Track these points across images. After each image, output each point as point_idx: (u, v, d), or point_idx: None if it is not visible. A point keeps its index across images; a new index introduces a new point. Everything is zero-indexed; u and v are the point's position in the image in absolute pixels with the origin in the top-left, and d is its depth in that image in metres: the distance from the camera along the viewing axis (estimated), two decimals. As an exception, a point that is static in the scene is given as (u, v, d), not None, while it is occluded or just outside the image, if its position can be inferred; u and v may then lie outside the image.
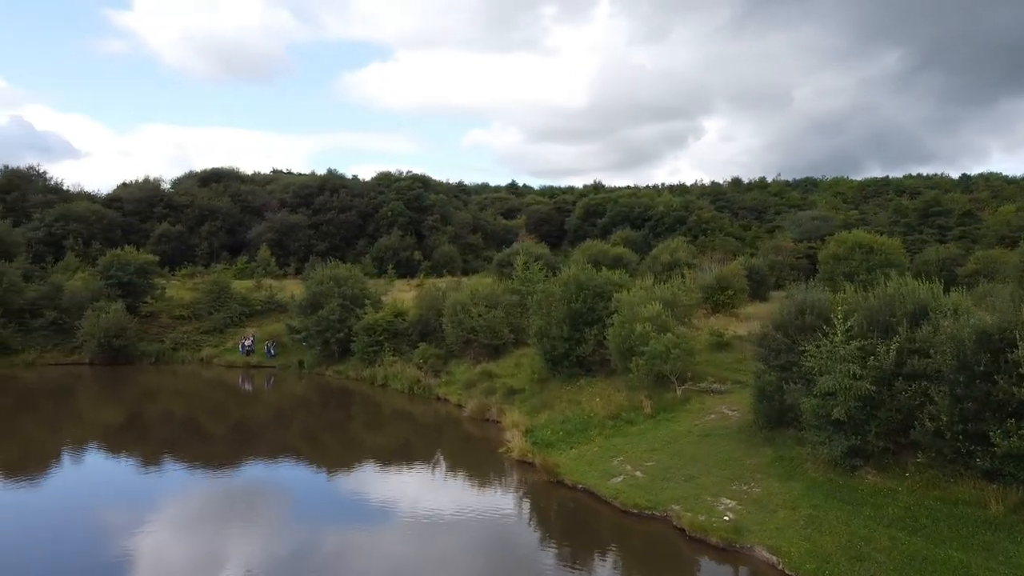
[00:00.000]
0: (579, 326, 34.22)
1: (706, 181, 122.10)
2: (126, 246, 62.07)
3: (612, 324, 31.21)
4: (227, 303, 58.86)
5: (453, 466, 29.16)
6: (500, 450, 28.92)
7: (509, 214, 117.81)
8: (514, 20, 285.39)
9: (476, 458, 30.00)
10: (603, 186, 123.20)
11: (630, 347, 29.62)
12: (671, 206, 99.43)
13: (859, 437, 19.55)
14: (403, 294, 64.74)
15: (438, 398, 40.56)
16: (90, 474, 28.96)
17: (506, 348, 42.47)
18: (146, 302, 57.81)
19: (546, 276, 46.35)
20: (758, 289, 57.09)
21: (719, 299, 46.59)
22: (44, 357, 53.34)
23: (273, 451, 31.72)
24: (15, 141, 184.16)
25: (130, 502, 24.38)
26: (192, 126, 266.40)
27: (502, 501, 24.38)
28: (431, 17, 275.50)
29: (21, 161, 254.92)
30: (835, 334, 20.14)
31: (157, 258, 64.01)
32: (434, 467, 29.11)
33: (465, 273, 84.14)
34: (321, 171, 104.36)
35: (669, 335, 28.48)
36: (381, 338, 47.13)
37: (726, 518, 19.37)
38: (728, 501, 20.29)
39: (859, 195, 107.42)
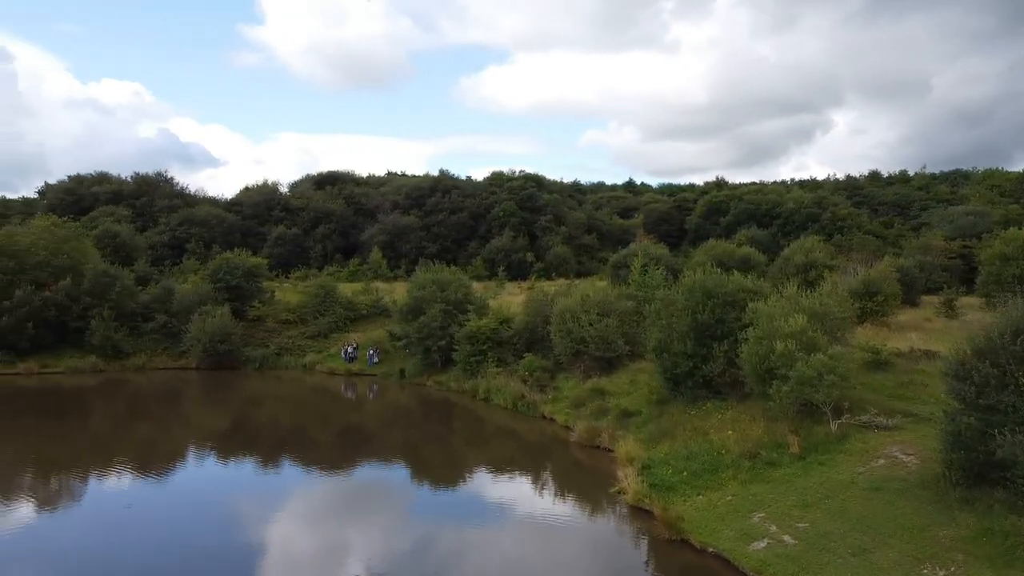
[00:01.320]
0: (706, 340, 28.81)
1: (839, 176, 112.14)
2: (236, 249, 60.90)
3: (747, 340, 25.73)
4: (332, 307, 56.43)
5: (556, 503, 24.52)
6: (612, 489, 24.04)
7: (626, 213, 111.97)
8: (631, 17, 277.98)
9: (582, 491, 25.26)
10: (726, 182, 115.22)
11: (769, 368, 24.08)
12: (802, 202, 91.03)
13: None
14: (513, 297, 60.79)
15: (543, 416, 35.96)
16: (209, 474, 29.69)
17: (620, 361, 37.43)
18: (253, 306, 56.15)
19: (666, 280, 41.05)
20: (907, 293, 49.41)
21: (867, 306, 39.77)
22: (153, 361, 52.39)
23: (378, 459, 31.84)
24: (162, 152, 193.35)
25: (252, 499, 25.51)
26: (319, 133, 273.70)
27: (609, 566, 19.49)
28: (547, 18, 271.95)
29: (168, 171, 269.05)
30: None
31: (266, 261, 62.59)
32: (534, 504, 24.52)
33: (579, 275, 79.47)
34: (437, 174, 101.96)
35: (820, 356, 22.76)
36: (484, 347, 43.05)
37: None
38: (920, 593, 14.69)
39: (1019, 188, 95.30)
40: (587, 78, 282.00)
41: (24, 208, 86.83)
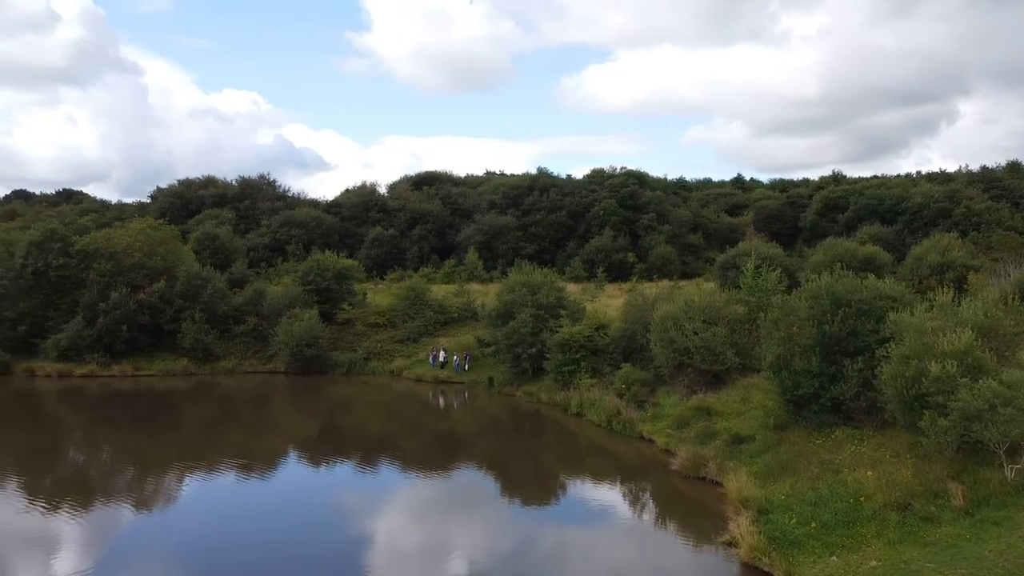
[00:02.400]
0: (835, 357, 24.07)
1: (973, 167, 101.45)
2: (332, 250, 59.32)
3: (888, 358, 20.92)
4: (422, 310, 53.83)
5: (652, 551, 20.51)
6: (721, 538, 19.77)
7: (734, 211, 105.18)
8: (738, 10, 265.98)
9: (685, 534, 21.23)
10: (844, 177, 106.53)
11: (920, 395, 19.26)
12: (931, 196, 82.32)
13: None
14: (612, 300, 56.73)
15: (641, 437, 31.75)
16: (308, 474, 30.27)
17: (729, 376, 32.81)
18: (343, 308, 54.22)
19: (783, 284, 36.07)
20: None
21: (1027, 315, 33.59)
22: (243, 364, 51.16)
23: (468, 469, 30.76)
24: (278, 158, 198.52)
25: (354, 497, 26.22)
26: (424, 136, 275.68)
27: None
28: (650, 15, 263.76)
29: (282, 175, 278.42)
30: None
31: (357, 262, 60.74)
32: (624, 554, 20.54)
33: (683, 276, 74.41)
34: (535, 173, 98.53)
35: (990, 382, 17.81)
36: (578, 356, 39.18)
37: None
38: None
39: None
40: (692, 73, 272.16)
41: (138, 212, 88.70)
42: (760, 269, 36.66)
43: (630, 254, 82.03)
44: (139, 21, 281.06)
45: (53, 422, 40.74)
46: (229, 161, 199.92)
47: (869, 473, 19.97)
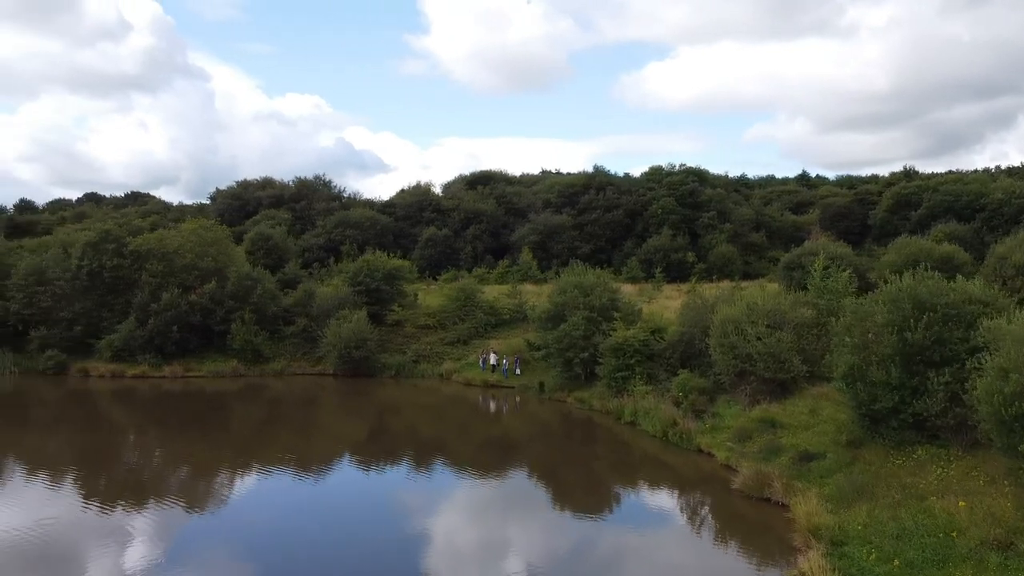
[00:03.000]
0: (918, 367, 21.50)
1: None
2: (386, 251, 58.35)
3: (983, 370, 18.36)
4: (473, 312, 52.30)
5: (711, 568, 18.45)
6: (789, 573, 17.53)
7: (798, 209, 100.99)
8: (802, 3, 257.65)
9: (748, 561, 18.99)
10: (916, 172, 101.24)
11: (1021, 414, 16.71)
12: (1012, 192, 77.22)
13: None
14: (671, 301, 54.33)
15: (699, 450, 29.47)
16: (361, 476, 29.86)
17: (795, 385, 30.27)
18: (392, 310, 53.05)
19: (854, 285, 33.32)
20: None
21: None
22: (292, 366, 50.42)
23: (518, 476, 29.81)
24: (339, 160, 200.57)
25: (408, 499, 25.90)
26: (482, 137, 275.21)
27: None
28: (711, 10, 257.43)
29: (343, 178, 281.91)
30: None
31: (407, 263, 59.62)
32: (684, 557, 18.53)
33: (745, 277, 71.34)
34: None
35: (1110, 402, 15.19)
36: (632, 361, 37.03)
37: None
38: None
39: None
40: (754, 69, 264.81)
41: (197, 213, 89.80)
42: (829, 269, 33.96)
43: (689, 254, 79.18)
44: (206, 29, 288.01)
45: (109, 423, 40.82)
46: (292, 164, 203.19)
47: (961, 503, 17.46)
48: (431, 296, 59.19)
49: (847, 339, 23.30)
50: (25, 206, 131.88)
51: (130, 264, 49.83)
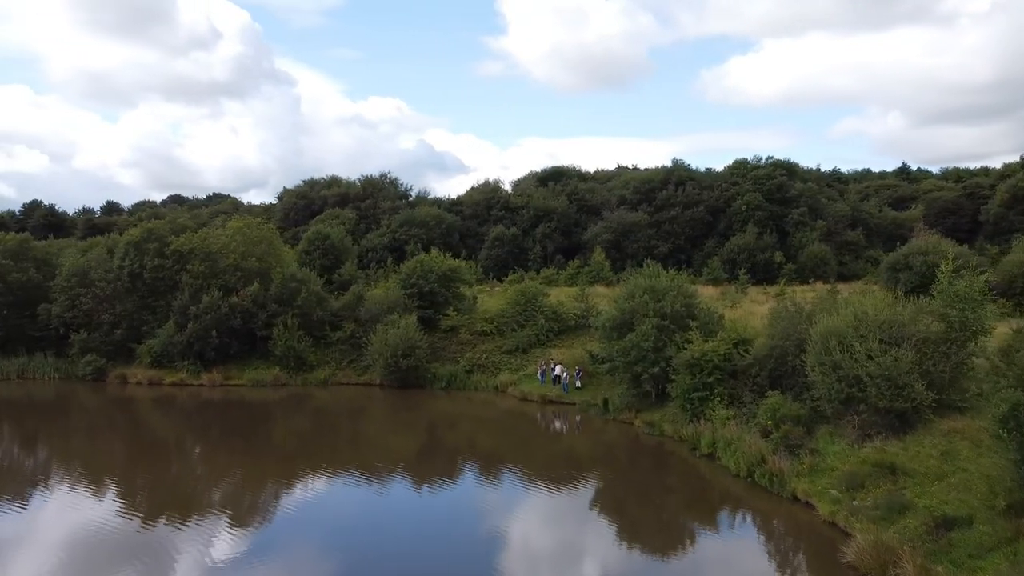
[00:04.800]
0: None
1: None
2: (437, 250, 53.70)
3: None
4: (534, 317, 46.93)
5: None
6: None
7: (899, 204, 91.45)
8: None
9: None
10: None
11: None
12: None
13: None
14: (757, 306, 47.84)
15: (795, 497, 23.34)
16: (410, 492, 27.42)
17: (919, 417, 23.72)
18: (446, 314, 48.19)
19: (990, 292, 26.41)
20: None
21: None
22: (337, 375, 46.12)
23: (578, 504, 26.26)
24: (419, 161, 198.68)
25: (467, 518, 24.43)
26: (561, 137, 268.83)
27: None
28: (798, 2, 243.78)
29: (423, 179, 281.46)
30: None
31: (465, 263, 54.72)
32: None
33: (841, 279, 63.71)
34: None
35: None
36: (711, 379, 31.01)
37: None
38: None
39: None
40: (844, 61, 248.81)
41: (263, 213, 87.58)
42: (963, 272, 27.12)
43: (777, 253, 71.79)
44: (292, 35, 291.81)
45: (149, 433, 38.08)
46: (374, 166, 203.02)
47: None
48: (493, 299, 54.11)
49: (1007, 371, 16.86)
50: (111, 208, 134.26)
51: (172, 264, 46.54)
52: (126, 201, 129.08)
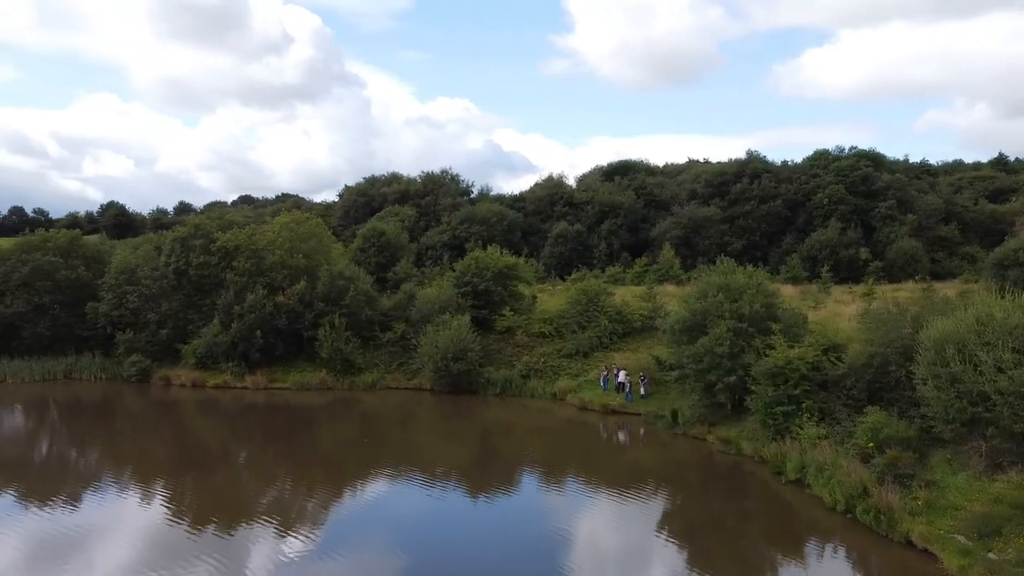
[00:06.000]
0: None
1: None
2: (490, 246, 50.36)
3: None
4: (596, 317, 43.10)
5: None
6: None
7: (997, 197, 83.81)
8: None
9: None
10: None
11: None
12: None
13: None
14: (842, 307, 43.09)
15: (907, 541, 18.97)
16: (470, 503, 25.34)
17: (1069, 445, 19.13)
18: (502, 315, 44.76)
19: None
20: None
21: None
22: (386, 379, 43.14)
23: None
24: (487, 162, 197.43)
25: (542, 520, 23.02)
26: (629, 135, 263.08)
27: None
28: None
29: (492, 179, 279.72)
30: None
31: (524, 260, 51.19)
32: None
33: (934, 277, 57.83)
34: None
35: None
36: (797, 391, 26.71)
37: None
38: None
39: None
40: (927, 51, 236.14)
41: (323, 211, 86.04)
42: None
43: (862, 250, 66.20)
44: (361, 39, 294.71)
45: (193, 437, 36.12)
46: (443, 167, 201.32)
47: None
48: (554, 299, 50.44)
49: None
50: (184, 208, 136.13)
51: (217, 262, 44.46)
52: (204, 204, 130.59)
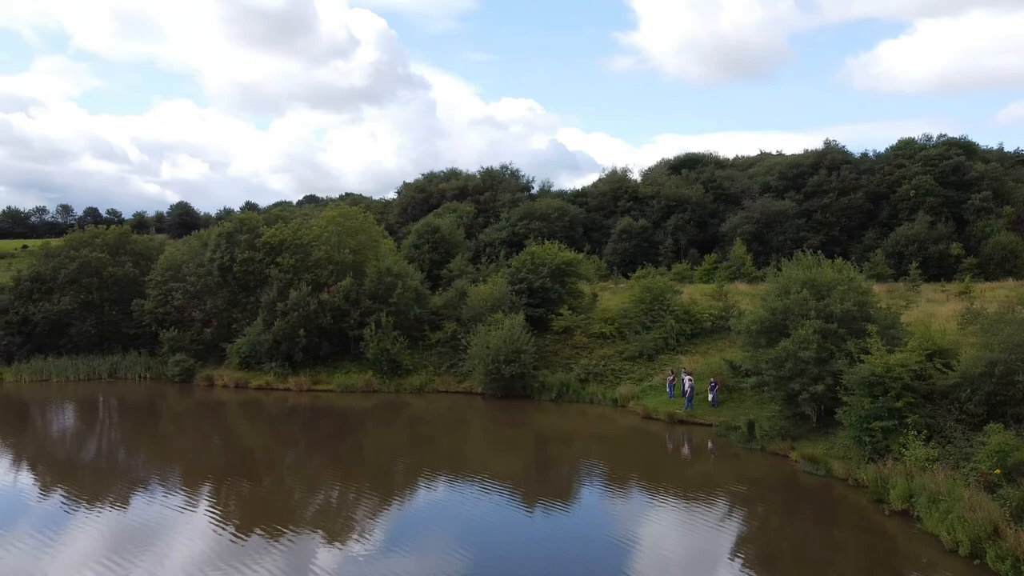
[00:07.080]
0: None
1: None
2: (546, 242, 47.16)
3: None
4: (661, 317, 39.49)
5: None
6: None
7: (1103, 187, 76.36)
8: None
9: None
10: None
11: None
12: None
13: None
14: (936, 307, 38.58)
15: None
16: (527, 519, 22.72)
17: None
18: (559, 314, 41.52)
19: None
20: None
21: None
22: (434, 381, 40.36)
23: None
24: (552, 161, 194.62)
25: (604, 542, 20.34)
26: (695, 133, 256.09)
27: None
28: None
29: (557, 179, 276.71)
30: None
31: (584, 256, 47.83)
32: None
33: (1033, 274, 52.19)
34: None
35: None
36: (899, 403, 22.68)
37: None
38: None
39: None
40: (1011, 39, 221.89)
41: (381, 208, 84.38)
42: None
43: (954, 245, 60.66)
44: (426, 41, 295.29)
45: (238, 440, 34.14)
46: (503, 162, 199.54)
47: None
48: (616, 297, 46.93)
49: None
50: (250, 208, 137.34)
51: (262, 257, 42.50)
52: (251, 200, 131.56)
